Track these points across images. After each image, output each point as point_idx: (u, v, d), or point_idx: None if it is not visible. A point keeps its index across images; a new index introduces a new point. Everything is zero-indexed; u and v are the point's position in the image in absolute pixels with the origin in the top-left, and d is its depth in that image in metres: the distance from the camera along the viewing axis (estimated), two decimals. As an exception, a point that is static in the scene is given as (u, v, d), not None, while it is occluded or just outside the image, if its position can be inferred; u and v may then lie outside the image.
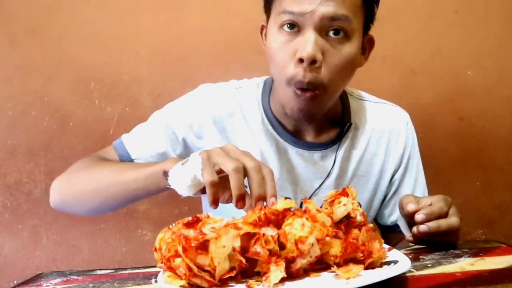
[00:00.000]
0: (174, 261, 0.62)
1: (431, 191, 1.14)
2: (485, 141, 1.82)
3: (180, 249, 0.61)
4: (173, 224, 0.69)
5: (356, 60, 1.01)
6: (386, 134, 1.17)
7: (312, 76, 0.94)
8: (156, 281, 0.70)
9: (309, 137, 1.12)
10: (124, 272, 0.85)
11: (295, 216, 0.69)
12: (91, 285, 0.77)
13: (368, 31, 1.06)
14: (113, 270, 0.87)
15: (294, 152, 1.11)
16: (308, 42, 0.92)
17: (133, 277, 0.80)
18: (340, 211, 0.71)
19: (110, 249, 1.71)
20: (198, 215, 0.66)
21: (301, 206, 1.06)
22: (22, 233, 1.67)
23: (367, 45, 1.08)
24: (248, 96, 1.14)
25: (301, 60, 0.93)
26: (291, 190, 1.11)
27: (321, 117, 1.08)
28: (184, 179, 0.78)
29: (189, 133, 1.11)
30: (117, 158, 1.10)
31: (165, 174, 0.84)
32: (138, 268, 0.87)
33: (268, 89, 1.14)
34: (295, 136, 1.11)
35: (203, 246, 0.62)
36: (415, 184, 1.18)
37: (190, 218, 0.65)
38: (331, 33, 0.94)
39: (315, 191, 1.11)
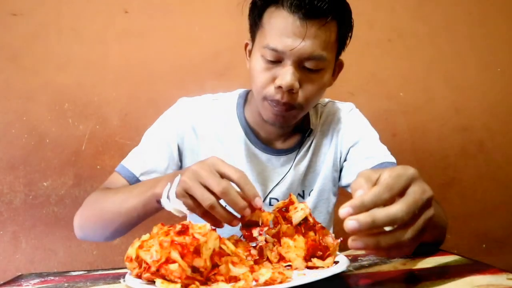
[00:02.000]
0: (167, 267, 0.64)
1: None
2: (416, 154, 1.96)
3: (176, 255, 0.63)
4: (148, 234, 0.71)
5: (327, 83, 1.09)
6: (332, 129, 1.23)
7: (288, 99, 1.02)
8: (124, 281, 0.73)
9: (278, 144, 1.21)
10: (95, 273, 0.87)
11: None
12: (66, 284, 0.79)
13: (339, 56, 1.13)
14: (86, 271, 0.89)
15: (263, 157, 1.19)
16: (287, 74, 0.99)
17: (103, 278, 0.83)
18: (298, 215, 0.77)
19: (83, 252, 1.76)
20: (183, 223, 0.69)
21: (270, 202, 1.17)
22: (3, 238, 1.71)
23: (337, 68, 1.15)
24: (224, 107, 1.22)
25: (280, 87, 1.01)
26: (261, 189, 1.18)
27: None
28: (172, 210, 0.79)
29: (177, 139, 1.17)
30: (125, 182, 1.11)
31: (158, 201, 0.85)
32: (108, 269, 0.89)
33: (242, 101, 1.22)
34: (265, 143, 1.19)
35: (195, 250, 0.64)
36: (371, 151, 1.18)
37: (180, 226, 0.67)
38: (307, 66, 1.01)
39: (274, 187, 1.18)
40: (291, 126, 1.19)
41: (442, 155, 2.01)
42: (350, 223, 0.56)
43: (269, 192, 1.19)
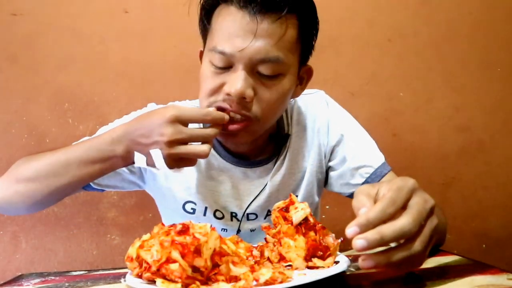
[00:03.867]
0: (168, 267, 0.63)
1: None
2: (415, 154, 1.95)
3: (177, 255, 0.63)
4: (149, 234, 0.70)
5: (290, 93, 0.97)
6: (311, 129, 1.13)
7: (239, 108, 0.90)
8: (125, 281, 0.72)
9: (251, 155, 1.10)
10: (96, 273, 0.88)
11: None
12: (66, 284, 0.80)
13: (306, 61, 1.01)
14: (86, 271, 0.89)
15: (237, 171, 1.09)
16: (237, 79, 0.87)
17: (104, 277, 0.83)
18: (299, 215, 0.76)
19: (83, 252, 1.77)
20: (184, 223, 0.68)
21: (248, 218, 1.11)
22: (3, 238, 1.72)
23: (304, 76, 1.03)
24: None
25: (228, 94, 0.88)
26: (235, 204, 1.10)
27: (260, 138, 1.05)
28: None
29: None
30: None
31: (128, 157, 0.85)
32: (109, 269, 0.90)
33: None
34: (237, 157, 1.09)
35: (196, 250, 0.64)
36: (357, 153, 1.09)
37: (180, 226, 0.67)
38: (262, 71, 0.89)
39: (251, 202, 1.10)
40: (264, 136, 1.08)
41: (442, 155, 2.00)
42: (358, 243, 0.55)
43: (247, 207, 1.11)
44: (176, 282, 0.64)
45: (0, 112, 1.73)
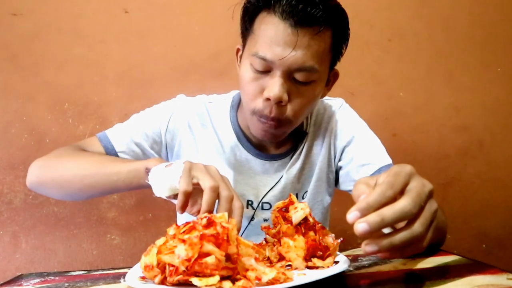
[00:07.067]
0: (203, 262, 0.62)
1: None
2: (415, 154, 1.96)
3: (211, 247, 0.62)
4: (164, 238, 0.67)
5: (319, 97, 1.07)
6: (324, 129, 1.20)
7: (277, 113, 0.99)
8: (124, 281, 0.72)
9: (271, 149, 1.19)
10: (95, 273, 0.87)
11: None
12: (66, 284, 0.79)
13: (334, 66, 1.09)
14: (86, 271, 0.89)
15: (256, 163, 1.17)
16: (276, 85, 0.95)
17: (104, 277, 0.83)
18: (299, 215, 0.76)
19: (83, 252, 1.76)
20: (205, 215, 0.67)
21: (262, 207, 1.17)
22: (3, 238, 1.72)
23: (331, 78, 1.12)
24: (219, 111, 1.20)
25: (268, 99, 0.97)
26: (252, 193, 1.17)
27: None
28: (162, 181, 0.80)
29: (166, 134, 1.16)
30: (102, 150, 1.09)
31: (147, 171, 0.84)
32: (108, 269, 0.90)
33: (236, 105, 1.20)
34: (258, 148, 1.17)
35: (227, 239, 0.64)
36: (364, 153, 1.16)
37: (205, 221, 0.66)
38: (297, 78, 0.97)
39: (267, 192, 1.17)
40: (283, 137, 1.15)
41: (442, 155, 2.01)
42: (360, 226, 0.56)
43: (263, 197, 1.18)
44: (211, 275, 0.63)
45: (0, 112, 1.73)
